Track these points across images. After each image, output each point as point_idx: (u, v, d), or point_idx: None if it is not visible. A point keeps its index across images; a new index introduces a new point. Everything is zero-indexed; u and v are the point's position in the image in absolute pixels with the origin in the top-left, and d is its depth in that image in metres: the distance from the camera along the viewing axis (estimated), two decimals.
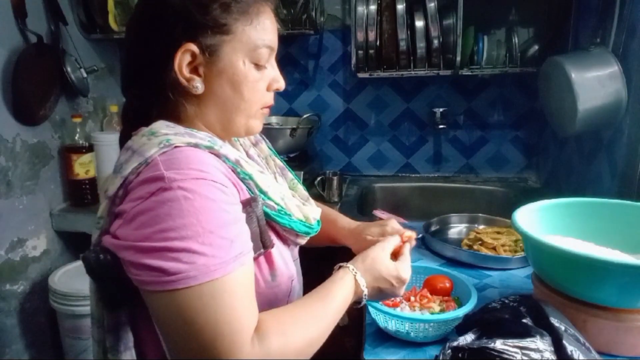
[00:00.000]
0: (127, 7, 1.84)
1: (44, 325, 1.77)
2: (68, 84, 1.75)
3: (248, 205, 0.73)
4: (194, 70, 0.74)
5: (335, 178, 1.78)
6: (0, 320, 1.63)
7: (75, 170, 1.77)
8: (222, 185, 0.68)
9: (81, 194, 1.81)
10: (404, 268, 0.83)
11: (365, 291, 0.79)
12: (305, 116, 1.84)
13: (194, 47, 0.72)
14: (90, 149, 1.80)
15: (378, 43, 1.77)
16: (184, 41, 0.72)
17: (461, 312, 0.88)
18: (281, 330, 0.66)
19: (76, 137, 1.79)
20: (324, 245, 1.03)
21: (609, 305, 0.83)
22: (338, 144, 2.14)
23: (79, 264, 1.76)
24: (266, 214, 0.78)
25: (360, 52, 1.77)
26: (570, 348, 0.67)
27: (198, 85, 0.74)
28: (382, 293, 0.82)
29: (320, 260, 1.02)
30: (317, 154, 2.14)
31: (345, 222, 1.05)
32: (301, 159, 1.94)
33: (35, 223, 1.71)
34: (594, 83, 1.31)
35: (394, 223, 0.97)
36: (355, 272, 0.79)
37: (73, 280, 1.65)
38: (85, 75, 1.81)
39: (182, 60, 0.73)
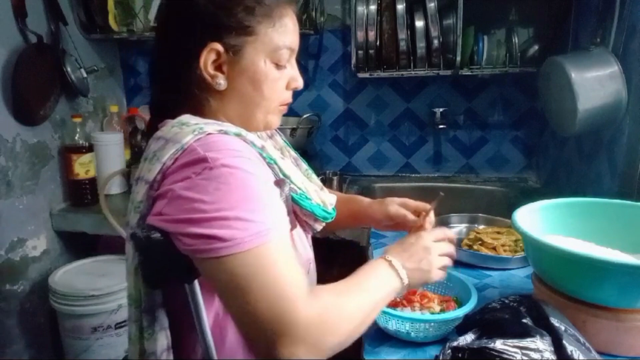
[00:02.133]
0: (127, 7, 1.85)
1: (44, 325, 1.77)
2: (68, 84, 1.75)
3: (279, 186, 0.78)
4: (218, 67, 0.79)
5: (335, 178, 1.79)
6: (0, 320, 1.64)
7: (75, 170, 1.77)
8: (257, 163, 0.74)
9: (81, 194, 1.81)
10: (425, 235, 0.86)
11: (404, 273, 0.79)
12: (305, 116, 1.84)
13: (218, 47, 0.77)
14: (90, 149, 1.80)
15: (378, 43, 1.77)
16: (209, 41, 0.77)
17: (461, 312, 0.88)
18: (334, 291, 0.70)
19: (76, 137, 1.79)
20: (345, 228, 1.06)
21: (608, 305, 0.83)
22: (338, 144, 2.14)
23: (79, 264, 1.76)
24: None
25: (360, 52, 1.77)
26: (570, 348, 0.67)
27: (221, 82, 0.79)
28: (419, 268, 0.82)
29: (328, 254, 1.03)
30: (317, 154, 2.14)
31: (368, 198, 1.10)
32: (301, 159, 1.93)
33: (35, 223, 1.71)
34: (594, 83, 1.30)
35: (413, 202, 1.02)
36: (390, 259, 0.80)
37: (73, 280, 1.65)
38: (85, 75, 1.81)
39: (207, 59, 0.77)
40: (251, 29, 0.77)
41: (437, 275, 0.84)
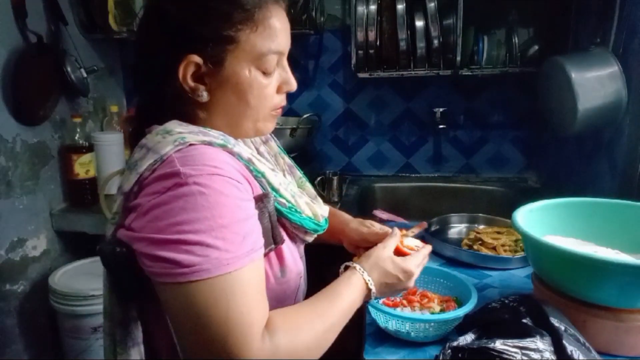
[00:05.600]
0: (127, 7, 1.84)
1: (44, 325, 1.77)
2: (68, 84, 1.75)
3: (260, 201, 0.74)
4: (200, 79, 0.74)
5: (335, 178, 1.79)
6: (0, 320, 1.64)
7: (75, 170, 1.77)
8: (237, 182, 0.69)
9: (81, 194, 1.81)
10: (411, 261, 0.85)
11: (373, 289, 0.80)
12: (305, 116, 1.84)
13: (197, 59, 0.72)
14: (90, 149, 1.80)
15: (378, 43, 1.77)
16: (186, 53, 0.72)
17: (461, 312, 0.88)
18: (290, 327, 0.67)
19: (76, 137, 1.79)
20: (323, 242, 1.03)
21: (609, 305, 0.83)
22: (338, 144, 2.13)
23: (79, 264, 1.76)
24: (277, 211, 0.79)
25: (360, 52, 1.77)
26: (570, 348, 0.67)
27: (203, 94, 0.75)
28: (391, 288, 0.84)
29: (322, 260, 1.02)
30: (317, 154, 2.14)
31: (346, 215, 1.08)
32: (301, 159, 1.93)
33: (35, 223, 1.71)
34: (594, 83, 1.31)
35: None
36: (363, 271, 0.80)
37: (73, 280, 1.65)
38: (85, 75, 1.81)
39: (185, 71, 0.73)
40: (230, 37, 0.72)
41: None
